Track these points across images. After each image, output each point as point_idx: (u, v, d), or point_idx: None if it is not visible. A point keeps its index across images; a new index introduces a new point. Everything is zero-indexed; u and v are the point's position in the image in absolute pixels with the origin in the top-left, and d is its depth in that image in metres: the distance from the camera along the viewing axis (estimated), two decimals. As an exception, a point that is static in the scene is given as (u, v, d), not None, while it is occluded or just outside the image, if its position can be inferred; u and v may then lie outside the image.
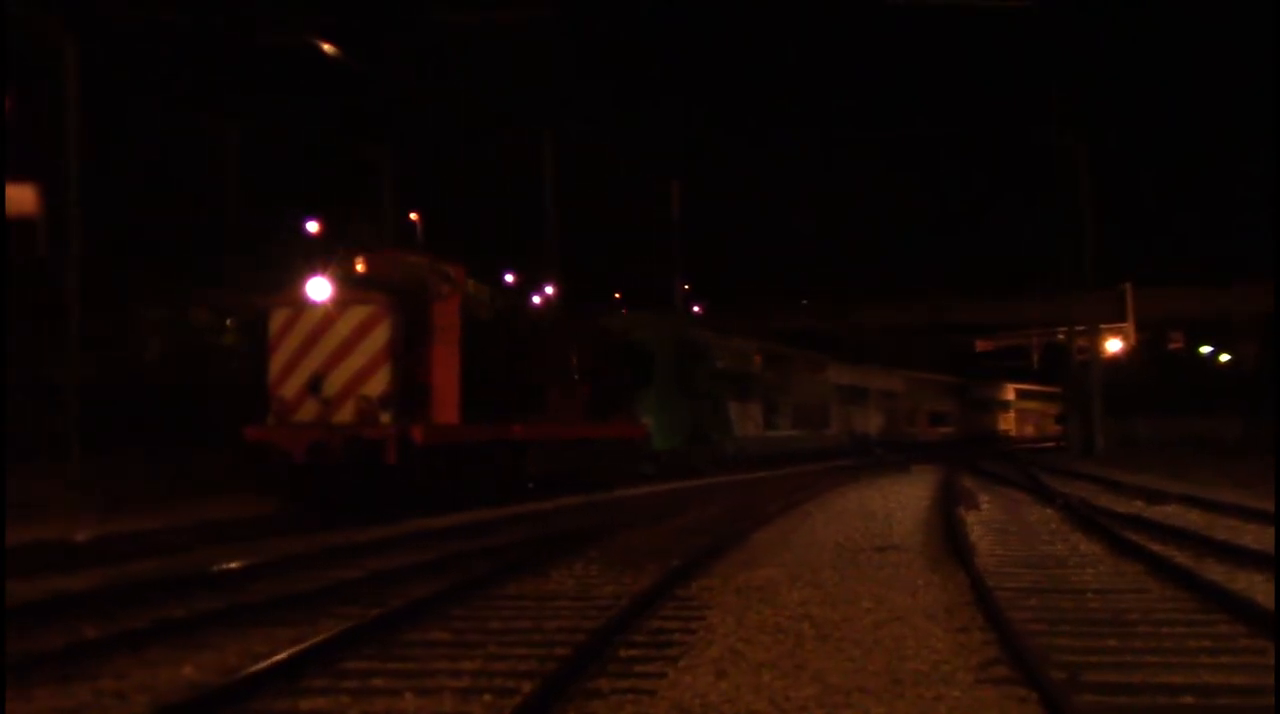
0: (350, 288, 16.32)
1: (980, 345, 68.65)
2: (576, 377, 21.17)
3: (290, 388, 16.07)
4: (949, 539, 12.85)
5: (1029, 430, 69.43)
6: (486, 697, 5.99)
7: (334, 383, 15.91)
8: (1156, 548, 11.65)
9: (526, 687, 6.07)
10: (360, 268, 17.48)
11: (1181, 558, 10.98)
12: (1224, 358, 59.38)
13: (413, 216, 39.76)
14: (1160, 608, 8.50)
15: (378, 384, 15.79)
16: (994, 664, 6.65)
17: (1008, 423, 66.76)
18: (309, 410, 15.99)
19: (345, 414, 15.82)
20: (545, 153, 29.61)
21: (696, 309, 53.50)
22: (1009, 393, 68.72)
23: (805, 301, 62.58)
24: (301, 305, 16.08)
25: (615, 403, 23.02)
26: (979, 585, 9.11)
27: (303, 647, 6.87)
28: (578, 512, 17.26)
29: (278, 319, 16.28)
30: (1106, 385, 50.59)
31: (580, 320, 26.35)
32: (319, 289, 15.88)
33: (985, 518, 15.92)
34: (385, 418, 15.65)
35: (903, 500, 19.37)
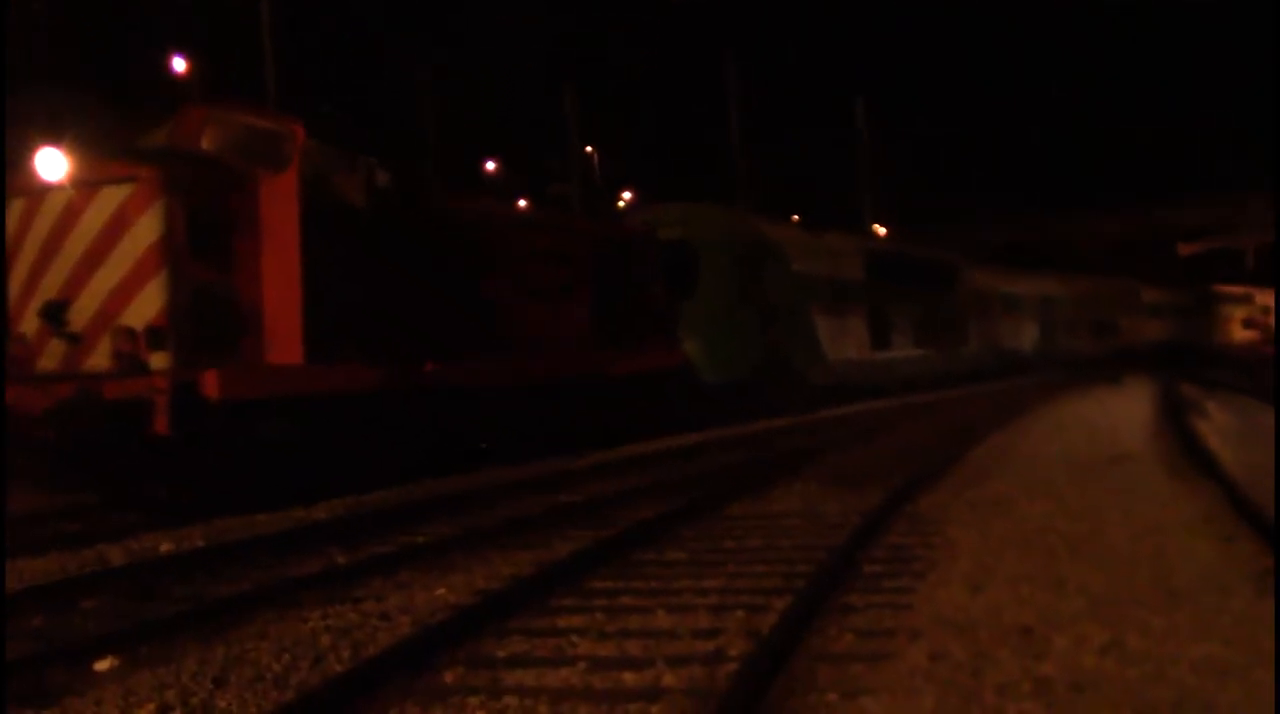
0: (104, 160, 10.57)
1: (1184, 249, 64.87)
2: (565, 290, 15.02)
3: (30, 320, 10.38)
4: (1186, 447, 12.21)
5: (1238, 338, 64.38)
6: (739, 613, 5.92)
7: (83, 309, 10.22)
8: None
9: (778, 603, 5.97)
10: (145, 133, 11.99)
11: None
12: None
13: (588, 149, 39.77)
14: None
15: (144, 308, 10.04)
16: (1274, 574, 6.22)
17: (1220, 330, 62.50)
18: (54, 354, 10.33)
19: (100, 357, 10.17)
20: (728, 73, 29.16)
21: (880, 229, 52.28)
22: (1221, 297, 63.81)
23: (993, 215, 60.45)
24: (39, 192, 10.40)
25: (636, 324, 16.62)
26: (1235, 492, 8.58)
27: (546, 568, 6.96)
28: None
29: (13, 216, 10.57)
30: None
31: (566, 212, 19.51)
32: (51, 163, 10.25)
33: (1219, 426, 15.09)
34: (159, 361, 9.97)
35: (1122, 412, 18.54)
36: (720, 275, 20.61)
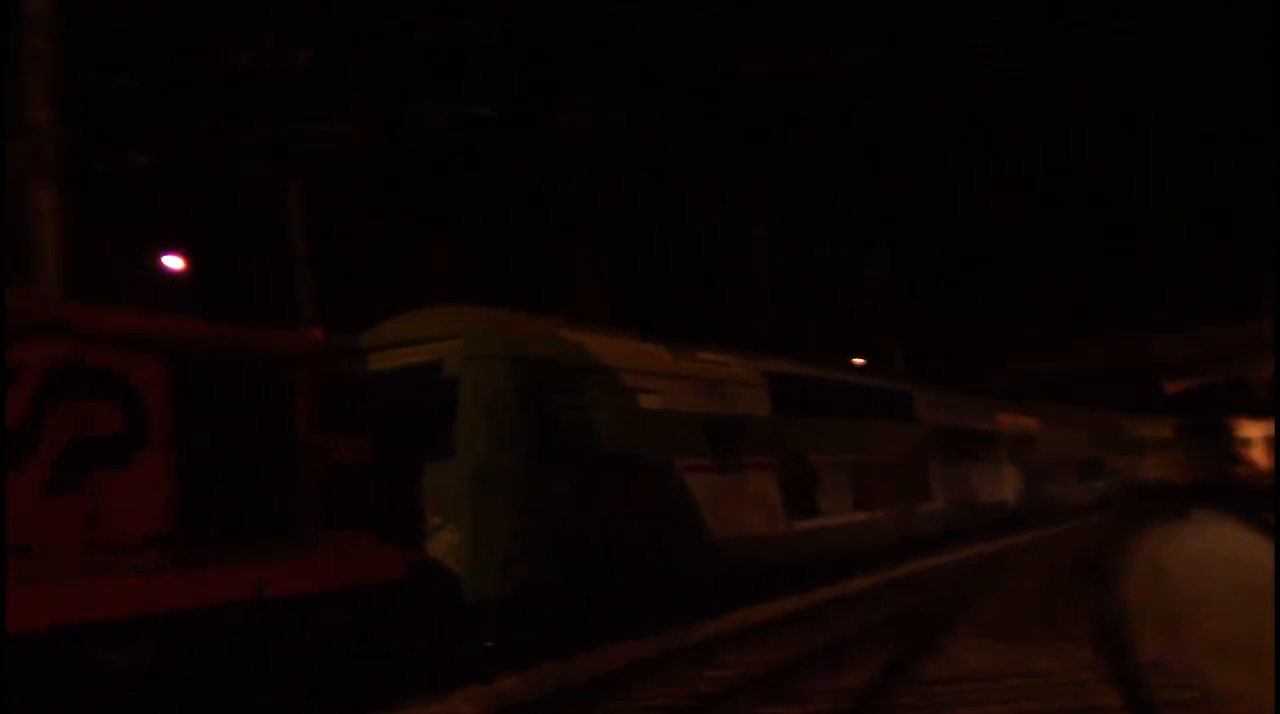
0: None
1: (1170, 387, 63.83)
2: (97, 453, 7.43)
3: None
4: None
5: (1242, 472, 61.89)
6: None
7: None
8: None
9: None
10: None
11: None
12: None
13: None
14: None
15: None
16: None
17: (1242, 463, 60.35)
18: None
19: None
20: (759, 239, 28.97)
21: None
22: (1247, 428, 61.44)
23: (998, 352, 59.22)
24: None
25: (297, 507, 8.85)
26: None
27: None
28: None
29: None
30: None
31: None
32: None
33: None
34: None
35: (1236, 545, 17.46)
36: (500, 419, 11.94)
